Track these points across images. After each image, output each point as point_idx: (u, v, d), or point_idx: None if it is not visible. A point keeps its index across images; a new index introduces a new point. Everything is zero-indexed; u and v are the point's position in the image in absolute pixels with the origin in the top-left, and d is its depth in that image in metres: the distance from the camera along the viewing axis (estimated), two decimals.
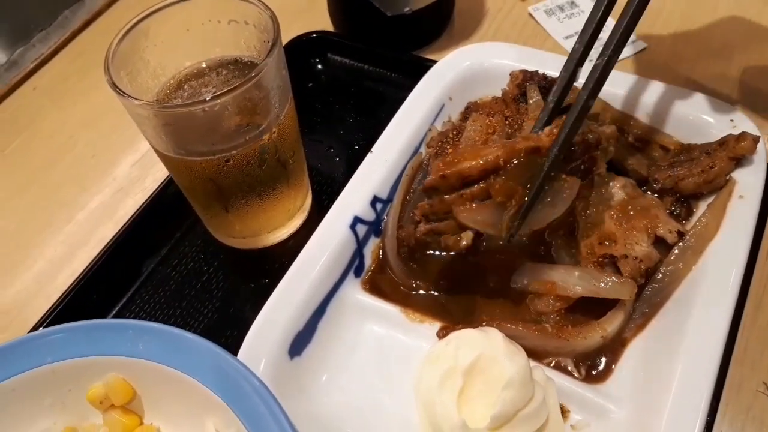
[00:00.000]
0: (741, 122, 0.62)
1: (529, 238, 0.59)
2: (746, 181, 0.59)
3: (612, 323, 0.54)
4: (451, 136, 0.65)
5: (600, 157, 0.56)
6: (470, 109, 0.69)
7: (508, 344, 0.50)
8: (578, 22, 0.86)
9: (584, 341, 0.54)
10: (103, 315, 0.64)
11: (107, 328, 0.51)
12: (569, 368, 0.54)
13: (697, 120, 0.64)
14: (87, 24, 0.94)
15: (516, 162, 0.51)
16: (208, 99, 0.50)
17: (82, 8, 0.95)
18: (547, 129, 0.52)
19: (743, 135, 0.59)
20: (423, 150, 0.66)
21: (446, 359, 0.50)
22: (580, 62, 0.55)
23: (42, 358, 0.50)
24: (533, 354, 0.54)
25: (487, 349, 0.49)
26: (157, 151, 0.57)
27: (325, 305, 0.57)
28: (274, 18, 0.55)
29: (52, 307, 0.63)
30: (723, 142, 0.60)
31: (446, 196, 0.53)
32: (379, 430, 0.53)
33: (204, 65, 0.60)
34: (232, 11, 0.57)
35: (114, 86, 0.51)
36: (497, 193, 0.50)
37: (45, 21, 0.92)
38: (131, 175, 0.77)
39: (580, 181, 0.54)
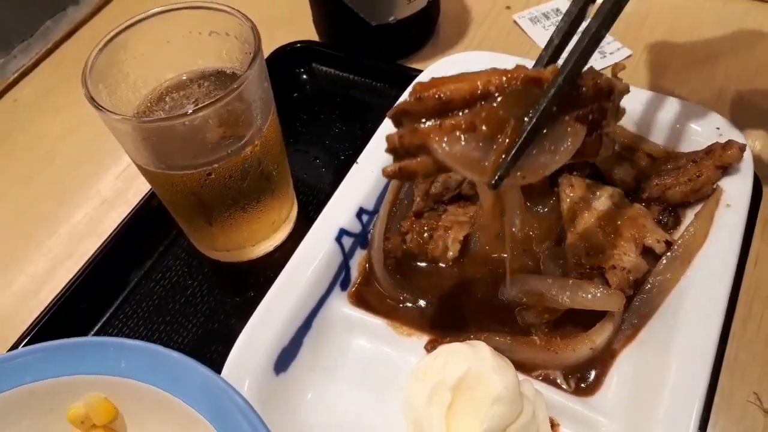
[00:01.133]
0: (727, 130, 0.62)
1: (521, 233, 0.54)
2: (733, 190, 0.59)
3: (601, 335, 0.53)
4: None
5: (610, 112, 0.48)
6: None
7: (496, 358, 0.50)
8: None
9: (573, 353, 0.53)
10: (85, 331, 0.63)
11: (88, 347, 0.50)
12: (558, 381, 0.54)
13: (684, 128, 0.64)
14: (69, 35, 0.93)
15: (510, 90, 0.41)
16: (188, 112, 0.49)
17: (64, 18, 0.94)
18: (550, 66, 0.43)
19: (730, 143, 0.59)
20: None
21: (434, 374, 0.50)
22: None
23: (20, 378, 0.49)
24: (522, 367, 0.53)
25: (475, 363, 0.49)
26: (137, 165, 0.56)
27: (311, 319, 0.56)
28: (254, 29, 0.54)
29: (32, 323, 0.62)
30: (709, 151, 0.60)
31: (421, 125, 0.41)
32: None
33: (185, 77, 0.59)
34: (213, 23, 0.57)
35: (92, 100, 0.50)
36: (484, 122, 0.40)
37: (26, 31, 0.91)
38: (114, 188, 0.76)
39: (586, 130, 0.44)
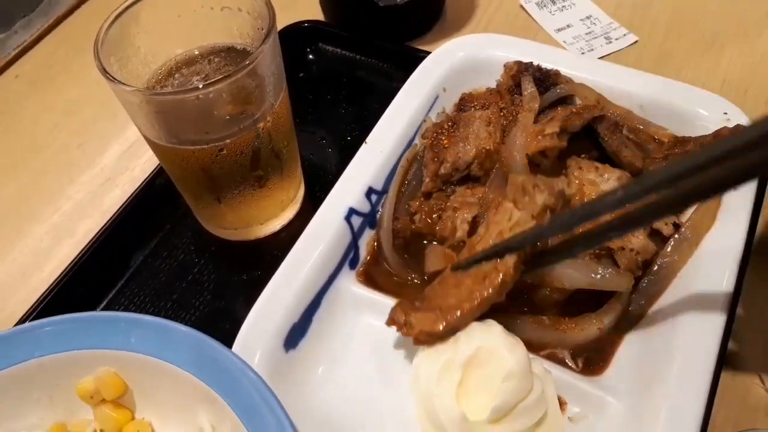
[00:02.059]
0: (735, 115, 0.62)
1: None
2: None
3: (609, 315, 0.54)
4: (446, 127, 0.64)
5: None
6: (464, 101, 0.68)
7: (507, 336, 0.50)
8: (569, 15, 0.85)
9: (581, 333, 0.54)
10: (91, 308, 0.63)
11: (98, 321, 0.50)
12: (566, 360, 0.54)
13: (691, 112, 0.64)
14: (72, 10, 0.92)
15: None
16: (201, 86, 0.49)
17: None
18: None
19: (738, 128, 0.59)
20: (418, 141, 0.66)
21: (444, 352, 0.50)
22: None
23: (29, 351, 0.49)
24: (530, 346, 0.53)
25: (486, 340, 0.49)
26: (148, 139, 0.56)
27: (320, 297, 0.56)
28: (269, 4, 0.54)
29: (38, 299, 0.61)
30: (717, 135, 0.60)
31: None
32: (376, 424, 0.52)
33: (196, 53, 0.59)
34: None
35: (104, 72, 0.50)
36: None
37: (28, 7, 0.90)
38: (119, 165, 0.76)
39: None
